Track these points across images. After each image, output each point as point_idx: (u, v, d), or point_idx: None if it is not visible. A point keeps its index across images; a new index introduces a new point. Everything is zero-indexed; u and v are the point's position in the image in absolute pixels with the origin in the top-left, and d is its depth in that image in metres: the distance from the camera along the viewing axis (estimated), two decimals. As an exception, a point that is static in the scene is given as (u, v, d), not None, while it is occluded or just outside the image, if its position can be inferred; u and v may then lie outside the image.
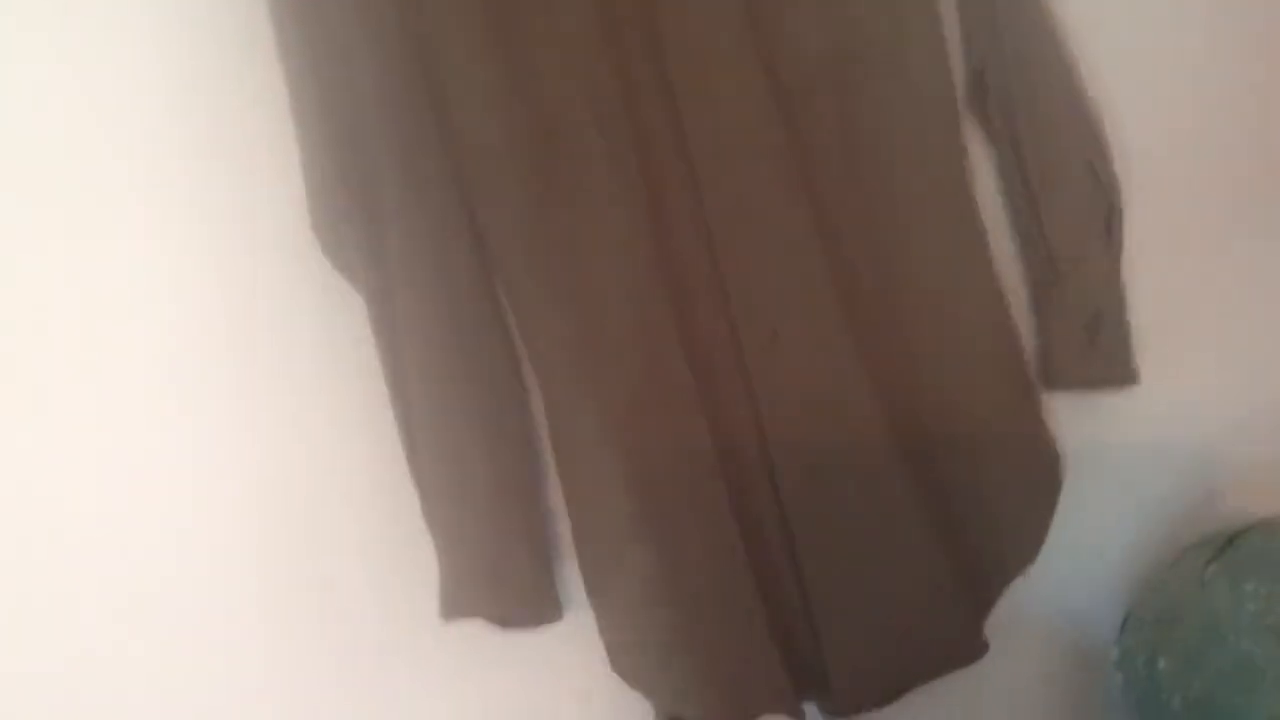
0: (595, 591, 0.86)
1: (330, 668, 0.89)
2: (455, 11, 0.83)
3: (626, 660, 0.86)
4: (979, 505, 0.87)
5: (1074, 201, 0.89)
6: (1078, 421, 0.91)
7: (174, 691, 0.89)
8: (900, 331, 0.88)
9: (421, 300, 0.84)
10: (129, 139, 0.88)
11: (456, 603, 0.85)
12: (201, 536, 0.89)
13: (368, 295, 0.86)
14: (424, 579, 0.87)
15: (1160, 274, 0.92)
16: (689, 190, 0.85)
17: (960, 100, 0.90)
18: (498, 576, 0.85)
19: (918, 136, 0.88)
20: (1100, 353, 0.89)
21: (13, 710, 0.87)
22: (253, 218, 0.89)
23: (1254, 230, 0.94)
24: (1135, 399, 0.91)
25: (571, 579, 0.87)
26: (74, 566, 0.87)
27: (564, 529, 0.88)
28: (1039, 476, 0.89)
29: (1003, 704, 0.91)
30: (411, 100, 0.83)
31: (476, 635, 0.86)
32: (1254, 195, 0.94)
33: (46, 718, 0.88)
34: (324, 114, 0.84)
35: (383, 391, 0.86)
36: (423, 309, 0.84)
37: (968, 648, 0.86)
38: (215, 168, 0.89)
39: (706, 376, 0.85)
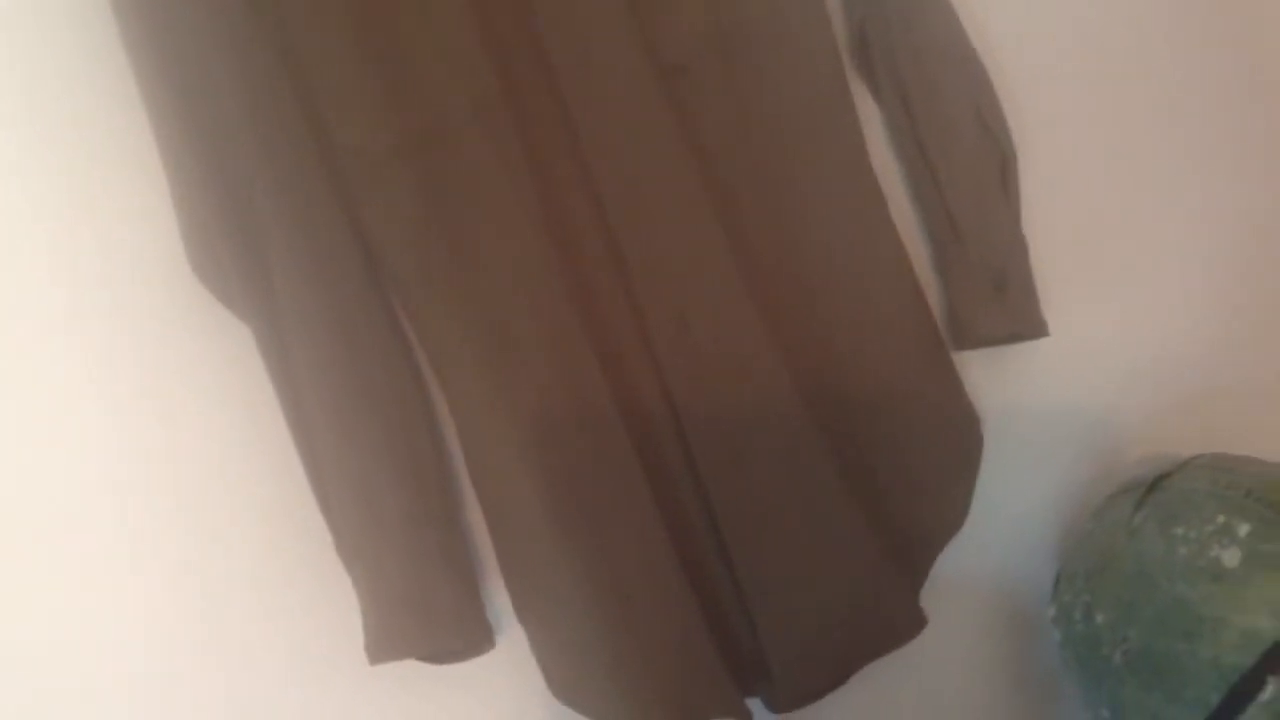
0: (525, 611, 0.84)
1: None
2: (318, 12, 0.80)
3: (564, 680, 0.84)
4: (902, 474, 0.87)
5: (967, 154, 0.88)
6: (985, 379, 0.91)
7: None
8: (807, 303, 0.86)
9: (311, 323, 0.81)
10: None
11: (382, 643, 0.81)
12: (92, 597, 0.85)
13: (255, 325, 0.82)
14: (343, 625, 0.84)
15: (1054, 221, 0.92)
16: (580, 178, 0.82)
17: (846, 61, 0.89)
18: (420, 607, 0.81)
19: (806, 102, 0.86)
20: (1008, 306, 0.88)
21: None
22: (125, 253, 0.85)
23: (1148, 176, 0.94)
24: (1038, 350, 0.91)
25: (501, 604, 0.85)
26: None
27: (487, 551, 0.85)
28: (959, 439, 0.88)
29: (946, 675, 0.90)
30: (280, 112, 0.80)
31: (405, 675, 0.84)
32: (1148, 142, 0.94)
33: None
34: (188, 134, 0.80)
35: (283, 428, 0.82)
36: (313, 333, 0.81)
37: (906, 622, 0.85)
38: (78, 201, 0.84)
39: (616, 369, 0.83)
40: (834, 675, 0.85)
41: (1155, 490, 0.83)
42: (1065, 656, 0.84)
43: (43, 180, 0.84)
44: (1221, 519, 0.77)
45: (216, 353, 0.85)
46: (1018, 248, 0.89)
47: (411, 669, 0.83)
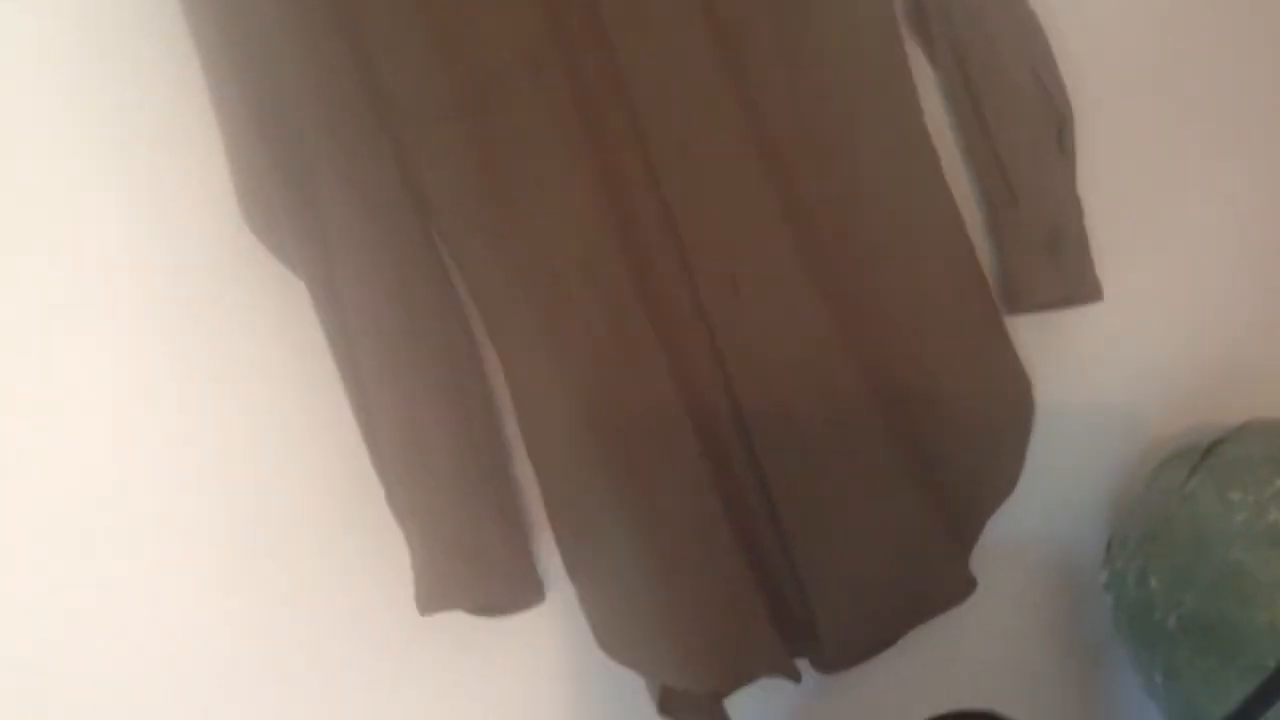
0: (574, 566, 0.84)
1: (302, 672, 0.86)
2: None
3: (613, 635, 0.83)
4: (953, 439, 0.86)
5: (1023, 116, 0.87)
6: (1036, 344, 0.90)
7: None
8: (858, 265, 0.85)
9: (365, 276, 0.81)
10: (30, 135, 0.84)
11: (433, 595, 0.82)
12: (146, 552, 0.85)
13: (308, 277, 0.82)
14: (395, 576, 0.84)
15: (1107, 186, 0.90)
16: (632, 136, 0.82)
17: (901, 22, 0.88)
18: (473, 559, 0.82)
19: (860, 63, 0.86)
20: (1062, 270, 0.87)
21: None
22: (178, 204, 0.85)
23: (1208, 136, 0.93)
24: (1090, 315, 0.90)
25: (549, 558, 0.85)
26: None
27: (538, 506, 0.84)
28: (1011, 403, 0.88)
29: (995, 640, 0.90)
30: (332, 58, 0.80)
31: (455, 628, 0.84)
32: (1208, 103, 0.93)
33: None
34: (243, 85, 0.80)
35: (335, 382, 0.82)
36: (368, 286, 0.81)
37: (955, 586, 0.85)
38: (129, 151, 0.85)
39: (667, 330, 0.82)
40: (882, 637, 0.85)
41: (1210, 455, 0.82)
42: (1118, 621, 0.83)
43: (95, 135, 0.85)
44: (1279, 483, 0.76)
45: (270, 303, 0.85)
46: (1073, 210, 0.88)
47: (458, 619, 0.83)
